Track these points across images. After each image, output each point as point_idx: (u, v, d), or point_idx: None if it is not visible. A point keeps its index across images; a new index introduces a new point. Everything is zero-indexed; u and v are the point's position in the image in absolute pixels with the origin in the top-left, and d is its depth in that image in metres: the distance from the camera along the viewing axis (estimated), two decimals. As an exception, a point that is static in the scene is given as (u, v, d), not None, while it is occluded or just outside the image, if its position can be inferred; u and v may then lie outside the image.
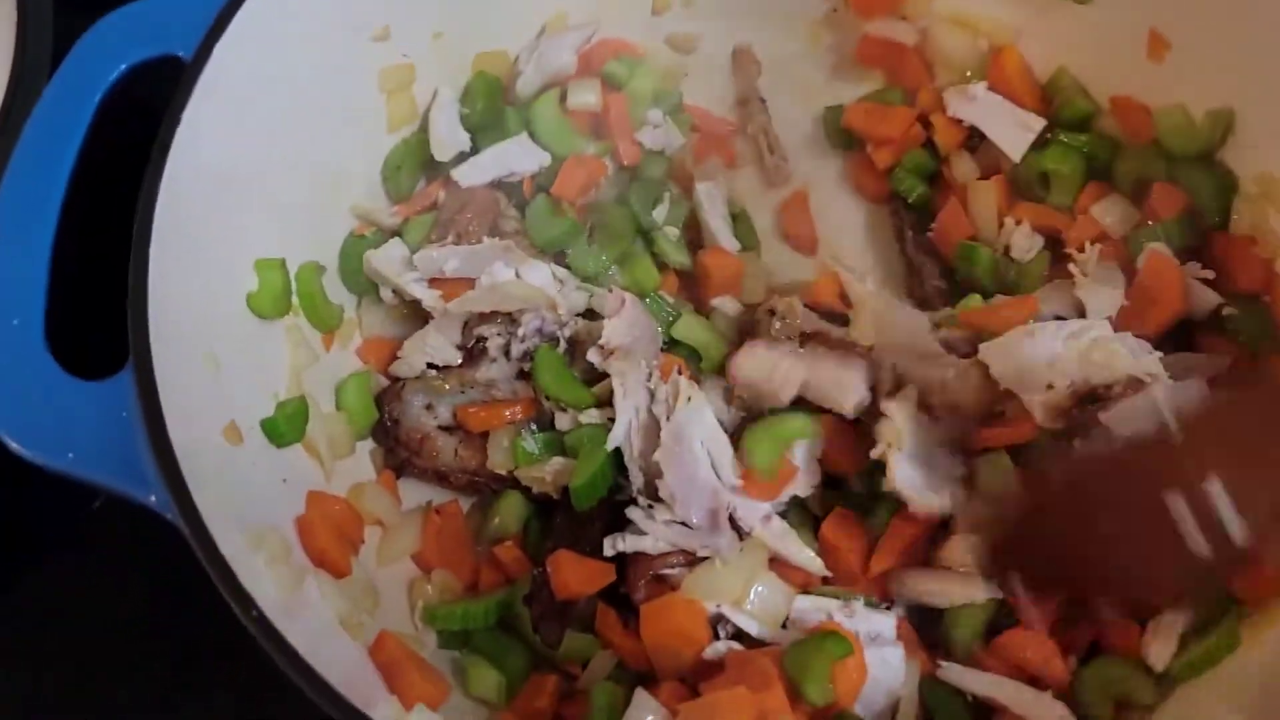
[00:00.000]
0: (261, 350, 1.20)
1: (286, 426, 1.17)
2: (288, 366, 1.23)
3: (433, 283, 1.27)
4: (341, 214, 1.33)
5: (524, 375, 1.26)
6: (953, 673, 1.13)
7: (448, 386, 1.25)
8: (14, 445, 0.99)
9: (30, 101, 1.24)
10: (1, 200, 1.07)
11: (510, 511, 1.25)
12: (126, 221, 1.05)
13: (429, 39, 1.36)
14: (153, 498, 0.96)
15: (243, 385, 1.14)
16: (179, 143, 1.07)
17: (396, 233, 1.32)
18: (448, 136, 1.36)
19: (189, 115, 1.08)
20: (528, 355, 1.24)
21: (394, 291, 1.28)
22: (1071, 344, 1.13)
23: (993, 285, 1.32)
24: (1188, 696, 1.10)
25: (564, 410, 1.24)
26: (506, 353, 1.25)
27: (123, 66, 1.13)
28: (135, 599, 1.35)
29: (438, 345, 1.26)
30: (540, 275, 1.26)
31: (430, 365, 1.27)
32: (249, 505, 1.06)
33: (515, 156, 1.34)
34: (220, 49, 1.11)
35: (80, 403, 1.00)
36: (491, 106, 1.39)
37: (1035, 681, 1.12)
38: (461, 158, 1.35)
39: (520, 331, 1.24)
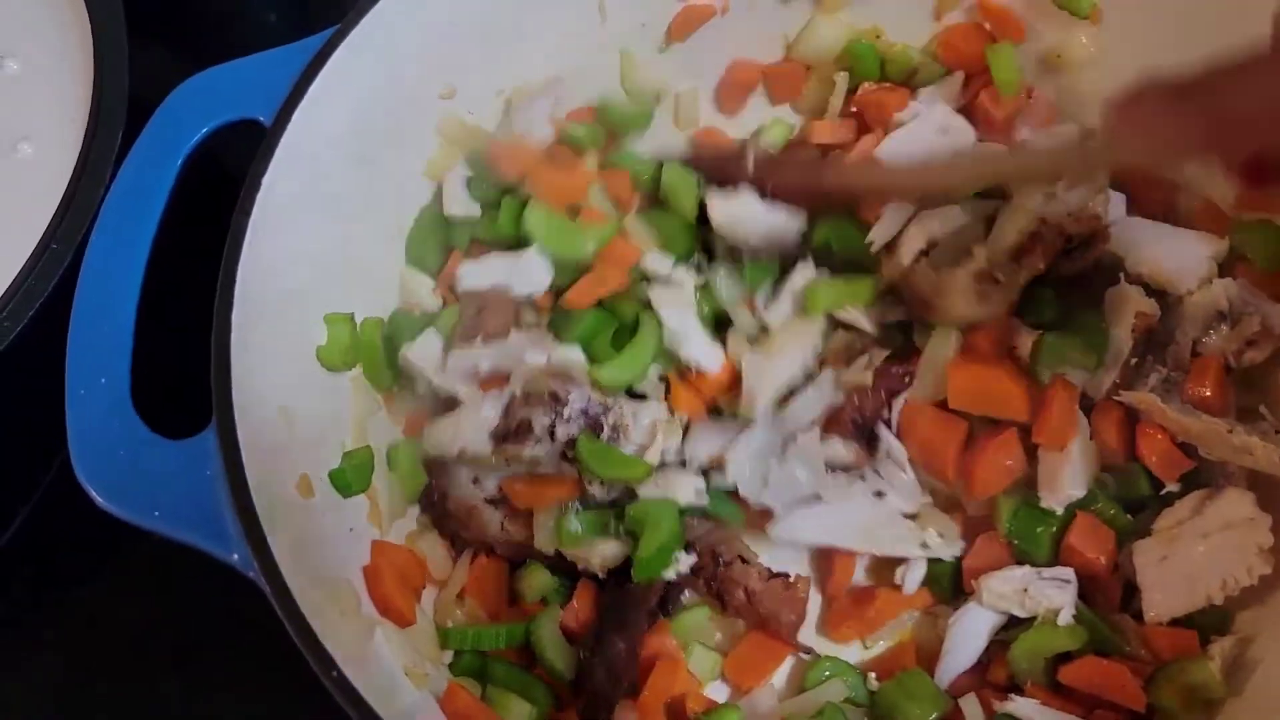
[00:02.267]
0: (330, 402, 1.24)
1: (354, 476, 1.21)
2: (352, 416, 1.27)
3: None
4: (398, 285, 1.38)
5: (568, 457, 1.24)
6: (1023, 709, 1.17)
7: (494, 461, 1.26)
8: (102, 502, 1.03)
9: (104, 158, 1.30)
10: (89, 262, 1.11)
11: (533, 583, 1.28)
12: (206, 280, 1.09)
13: (493, 97, 1.40)
14: (235, 556, 0.99)
15: (313, 438, 1.18)
16: (259, 207, 1.11)
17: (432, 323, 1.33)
18: (459, 201, 1.38)
19: (268, 180, 1.12)
20: (572, 441, 1.23)
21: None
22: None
23: None
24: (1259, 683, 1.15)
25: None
26: (552, 433, 1.24)
27: (204, 130, 1.18)
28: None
29: (470, 435, 1.25)
30: (575, 356, 1.28)
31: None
32: (322, 558, 1.10)
33: (516, 274, 1.32)
34: (300, 114, 1.16)
35: (165, 461, 1.04)
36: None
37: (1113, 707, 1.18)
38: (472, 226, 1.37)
39: (566, 412, 1.24)
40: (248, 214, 1.10)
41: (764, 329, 1.31)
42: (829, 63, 1.51)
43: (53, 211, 1.30)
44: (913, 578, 1.29)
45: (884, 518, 1.27)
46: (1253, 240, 1.30)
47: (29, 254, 1.28)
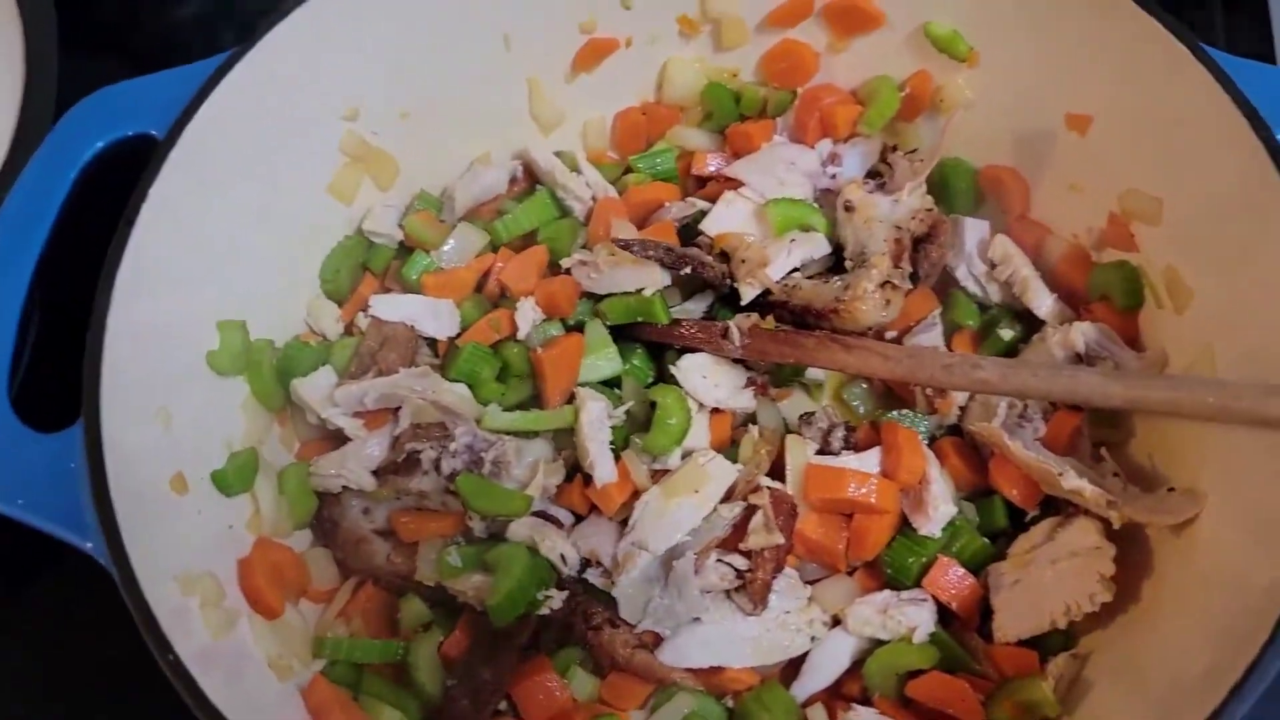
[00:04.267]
0: (218, 407, 1.30)
1: (235, 477, 1.27)
2: (243, 430, 1.32)
3: (355, 413, 1.35)
4: (299, 301, 1.44)
5: (450, 491, 1.29)
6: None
7: (383, 493, 1.32)
8: (-35, 489, 1.08)
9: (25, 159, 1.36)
10: (-22, 265, 1.17)
11: (410, 614, 1.32)
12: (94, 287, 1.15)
13: (397, 118, 1.46)
14: (90, 545, 1.05)
15: (194, 439, 1.23)
16: (145, 216, 1.17)
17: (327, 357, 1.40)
18: (381, 222, 1.47)
19: (157, 191, 1.18)
20: (456, 474, 1.28)
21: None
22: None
23: None
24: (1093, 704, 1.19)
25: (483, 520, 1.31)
26: (438, 466, 1.30)
27: (100, 144, 1.24)
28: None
29: (354, 471, 1.32)
30: (461, 395, 1.34)
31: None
32: (188, 552, 1.15)
33: (428, 318, 1.41)
34: (192, 130, 1.21)
35: (35, 453, 1.10)
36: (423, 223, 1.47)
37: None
38: (391, 250, 1.47)
39: (452, 446, 1.29)
40: (131, 223, 1.15)
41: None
42: (695, 101, 1.60)
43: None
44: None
45: (770, 624, 1.29)
46: (1111, 279, 1.35)
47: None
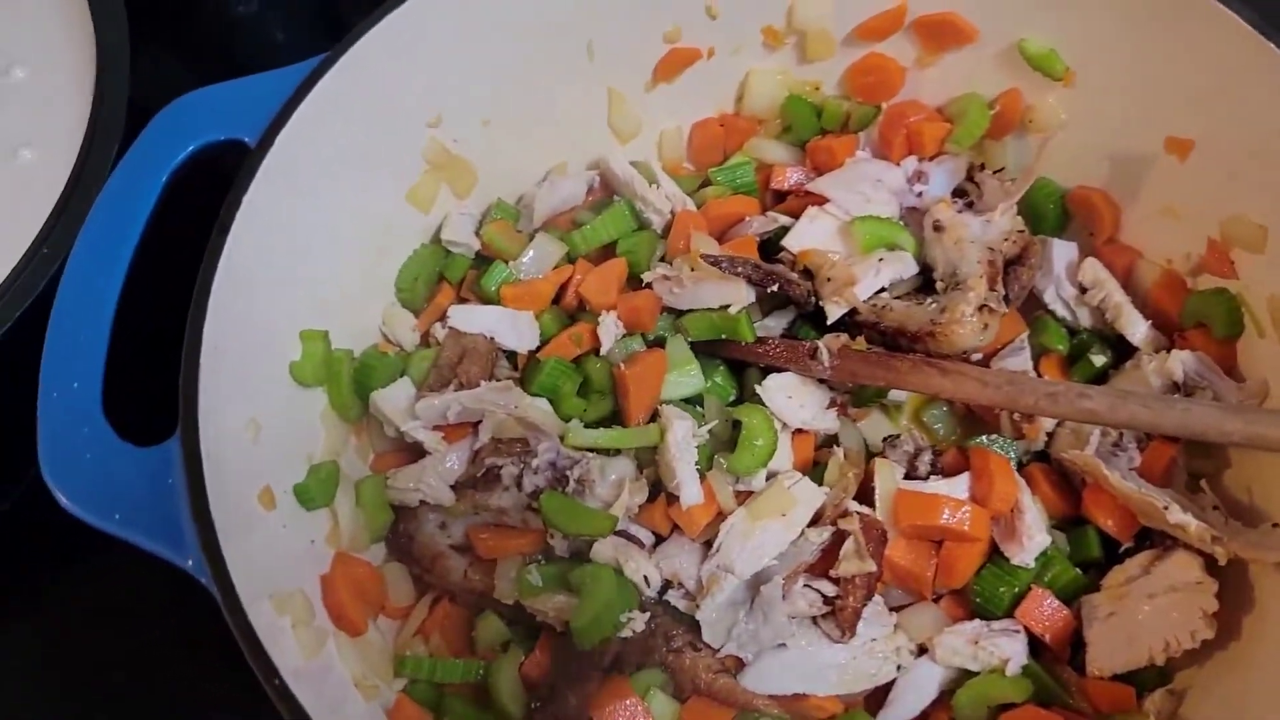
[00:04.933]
0: (300, 418, 1.28)
1: (317, 490, 1.24)
2: (324, 442, 1.30)
3: (435, 427, 1.33)
4: (375, 311, 1.42)
5: (533, 508, 1.27)
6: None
7: (461, 507, 1.29)
8: (65, 502, 1.06)
9: (100, 167, 1.34)
10: (70, 272, 1.15)
11: (487, 632, 1.30)
12: (186, 295, 1.13)
13: (478, 125, 1.44)
14: (190, 562, 1.02)
15: (279, 451, 1.21)
16: (238, 224, 1.15)
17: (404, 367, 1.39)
18: (459, 230, 1.45)
19: (249, 198, 1.16)
20: (538, 492, 1.26)
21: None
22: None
23: None
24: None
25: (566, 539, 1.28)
26: (519, 483, 1.27)
27: (191, 147, 1.21)
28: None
29: (432, 485, 1.30)
30: (543, 410, 1.31)
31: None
32: (278, 568, 1.13)
33: (508, 331, 1.39)
34: (284, 137, 1.19)
35: (130, 467, 1.07)
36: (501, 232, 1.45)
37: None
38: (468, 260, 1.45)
39: (534, 463, 1.27)
40: (226, 231, 1.13)
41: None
42: (775, 114, 1.58)
43: (46, 216, 1.34)
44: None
45: (856, 651, 1.27)
46: (1209, 307, 1.32)
47: (20, 257, 1.32)
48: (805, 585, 1.26)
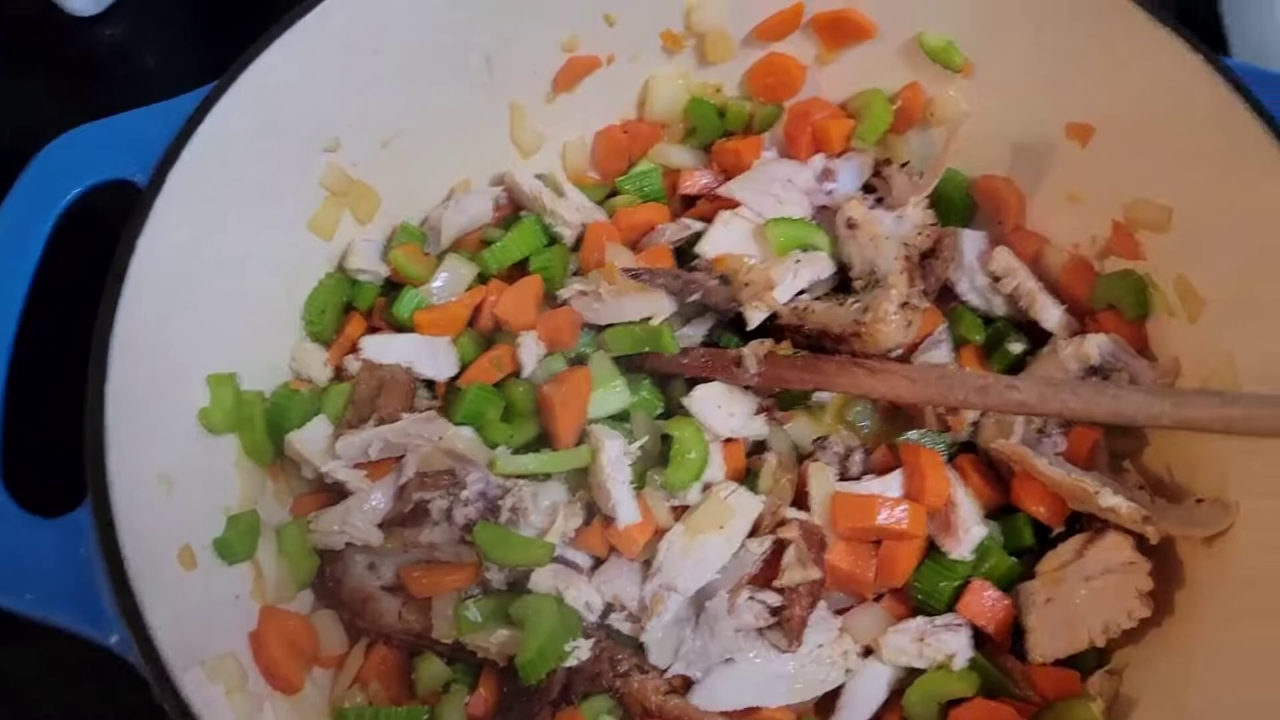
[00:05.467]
0: (212, 467, 1.21)
1: (239, 542, 1.18)
2: (239, 490, 1.24)
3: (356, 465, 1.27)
4: (284, 348, 1.35)
5: (466, 541, 1.22)
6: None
7: (390, 546, 1.24)
8: (-31, 585, 0.98)
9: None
10: (-46, 334, 1.06)
11: (428, 674, 1.25)
12: (81, 350, 1.05)
13: (377, 147, 1.38)
14: (114, 638, 0.96)
15: (195, 505, 1.15)
16: (133, 270, 1.07)
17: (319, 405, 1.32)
18: (365, 258, 1.40)
19: (144, 242, 1.09)
20: (470, 524, 1.21)
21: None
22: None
23: None
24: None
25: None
26: (449, 516, 1.22)
27: (75, 191, 1.14)
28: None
29: (358, 526, 1.24)
30: (469, 439, 1.27)
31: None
32: (205, 632, 1.07)
33: (425, 359, 1.35)
34: (175, 175, 1.12)
35: (38, 540, 1.00)
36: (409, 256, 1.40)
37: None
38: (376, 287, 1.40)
39: (464, 495, 1.23)
40: (121, 278, 1.06)
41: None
42: (678, 118, 1.56)
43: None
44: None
45: (804, 659, 1.25)
46: (1118, 289, 1.35)
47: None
48: (750, 598, 1.24)
